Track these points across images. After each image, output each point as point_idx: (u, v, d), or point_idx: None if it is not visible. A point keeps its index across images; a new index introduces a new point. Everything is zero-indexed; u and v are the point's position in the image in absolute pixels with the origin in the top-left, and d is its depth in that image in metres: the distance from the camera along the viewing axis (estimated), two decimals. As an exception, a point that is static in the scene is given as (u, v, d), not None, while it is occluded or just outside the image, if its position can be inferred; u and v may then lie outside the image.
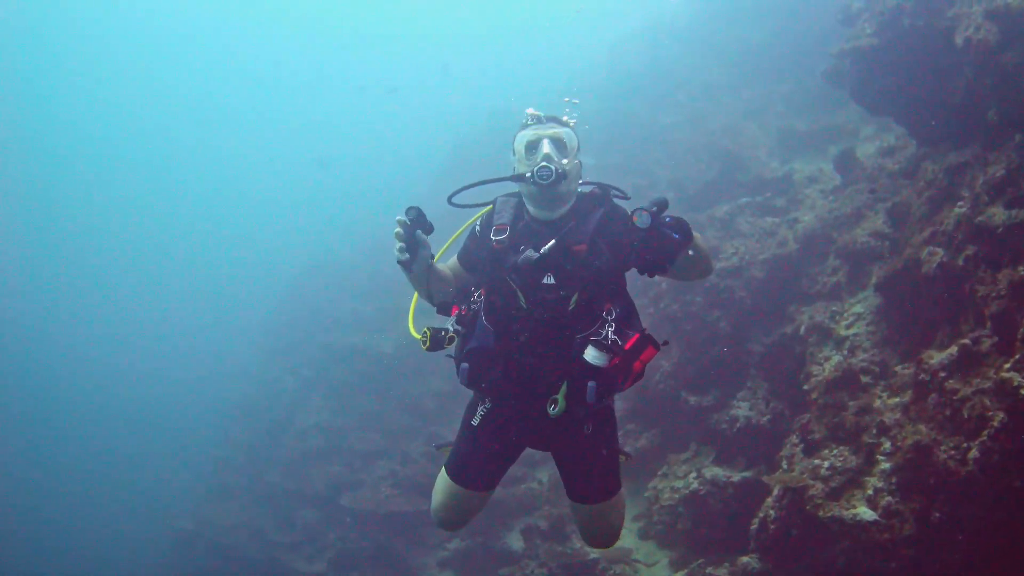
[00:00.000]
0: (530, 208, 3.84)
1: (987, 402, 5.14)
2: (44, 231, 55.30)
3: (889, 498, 5.89)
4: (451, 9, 56.99)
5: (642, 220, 3.03)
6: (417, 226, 3.55)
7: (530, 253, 3.61)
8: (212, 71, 63.64)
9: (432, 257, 3.75)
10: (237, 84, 63.58)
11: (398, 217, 3.53)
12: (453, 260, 4.11)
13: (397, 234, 3.54)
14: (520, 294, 3.64)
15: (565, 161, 3.72)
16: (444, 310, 3.97)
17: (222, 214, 56.84)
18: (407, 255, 3.55)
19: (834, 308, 8.65)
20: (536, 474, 11.79)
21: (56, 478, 28.81)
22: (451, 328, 3.82)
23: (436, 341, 3.85)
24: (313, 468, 16.20)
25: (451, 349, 3.91)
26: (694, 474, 8.93)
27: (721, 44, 19.62)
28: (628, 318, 3.71)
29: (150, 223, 56.73)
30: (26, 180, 57.55)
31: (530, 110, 3.96)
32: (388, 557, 13.01)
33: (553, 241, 3.62)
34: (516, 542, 11.00)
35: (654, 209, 3.06)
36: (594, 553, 9.29)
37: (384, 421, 16.60)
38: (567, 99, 4.22)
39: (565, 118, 3.97)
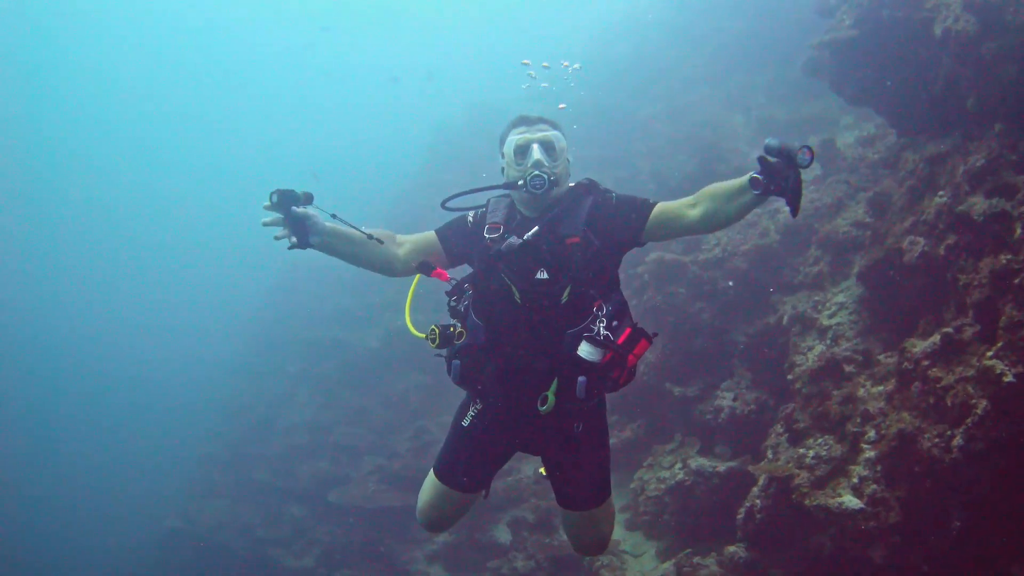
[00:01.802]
0: (521, 209, 3.81)
1: (970, 390, 5.19)
2: (36, 228, 54.85)
3: (874, 486, 5.93)
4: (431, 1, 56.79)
5: (804, 159, 3.03)
6: (288, 204, 3.52)
7: (513, 240, 3.58)
8: (202, 66, 63.05)
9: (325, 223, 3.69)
10: (224, 79, 63.16)
11: (264, 205, 3.50)
12: (428, 234, 3.99)
13: (267, 223, 3.53)
14: (515, 289, 3.59)
15: (556, 165, 3.70)
16: (425, 270, 3.84)
17: (204, 212, 56.56)
18: (295, 238, 3.56)
19: (817, 298, 8.69)
20: (522, 467, 11.82)
21: (42, 479, 28.65)
22: (458, 324, 3.75)
23: (445, 338, 3.71)
24: (300, 464, 16.22)
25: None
26: (680, 465, 8.98)
27: (701, 35, 19.68)
28: (620, 314, 3.68)
29: (134, 222, 56.36)
30: (22, 176, 57.01)
31: (526, 61, 3.91)
32: (376, 552, 13.03)
33: (536, 227, 3.61)
34: (503, 535, 11.04)
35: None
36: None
37: (370, 416, 16.63)
38: (566, 64, 4.18)
39: (566, 63, 3.91)
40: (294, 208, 3.53)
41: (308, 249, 3.68)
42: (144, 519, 20.71)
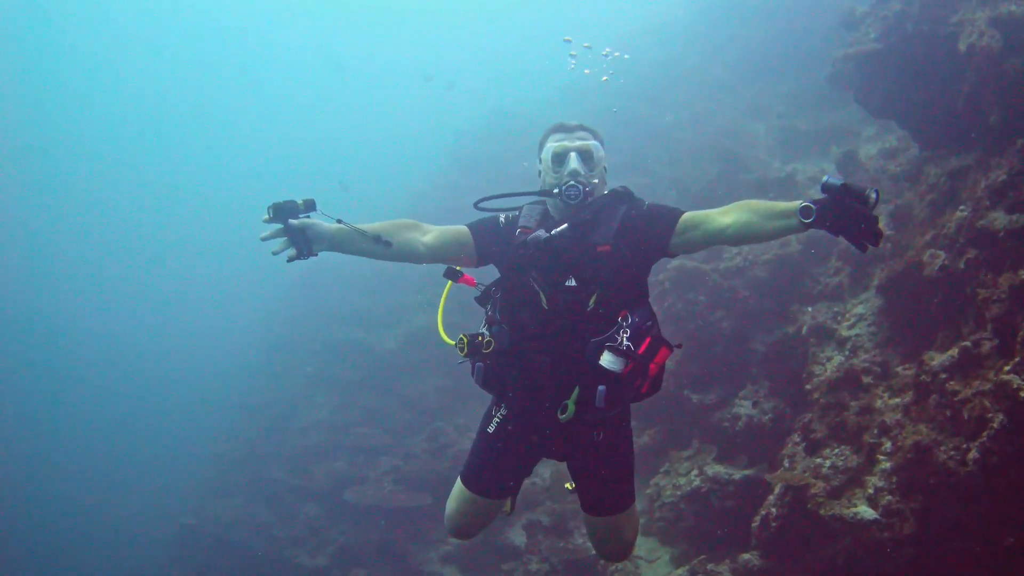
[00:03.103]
0: (555, 215, 3.81)
1: (987, 404, 5.22)
2: (46, 221, 55.10)
3: (890, 497, 5.97)
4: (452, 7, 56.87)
5: (872, 199, 3.00)
6: (286, 216, 3.50)
7: (540, 233, 3.57)
8: (228, 64, 63.22)
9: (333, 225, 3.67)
10: (247, 77, 63.37)
11: (263, 219, 3.49)
12: (459, 227, 3.92)
13: (265, 237, 3.51)
14: (543, 296, 3.58)
15: (592, 175, 3.71)
16: (452, 276, 3.83)
17: (223, 210, 56.71)
18: (294, 249, 3.53)
19: (836, 309, 8.74)
20: (538, 470, 11.84)
21: (58, 475, 28.76)
22: (486, 333, 3.69)
23: (474, 347, 3.64)
24: (316, 464, 16.25)
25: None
26: (696, 471, 9.01)
27: (722, 43, 19.72)
28: (644, 323, 3.62)
29: (152, 218, 56.58)
30: (34, 173, 57.33)
31: (567, 38, 3.89)
32: (391, 552, 13.10)
33: (565, 225, 3.59)
34: (518, 537, 11.08)
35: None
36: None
37: (387, 417, 16.69)
38: (607, 51, 4.14)
39: (606, 61, 3.87)
40: (291, 220, 3.51)
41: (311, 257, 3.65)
42: (159, 516, 20.75)
